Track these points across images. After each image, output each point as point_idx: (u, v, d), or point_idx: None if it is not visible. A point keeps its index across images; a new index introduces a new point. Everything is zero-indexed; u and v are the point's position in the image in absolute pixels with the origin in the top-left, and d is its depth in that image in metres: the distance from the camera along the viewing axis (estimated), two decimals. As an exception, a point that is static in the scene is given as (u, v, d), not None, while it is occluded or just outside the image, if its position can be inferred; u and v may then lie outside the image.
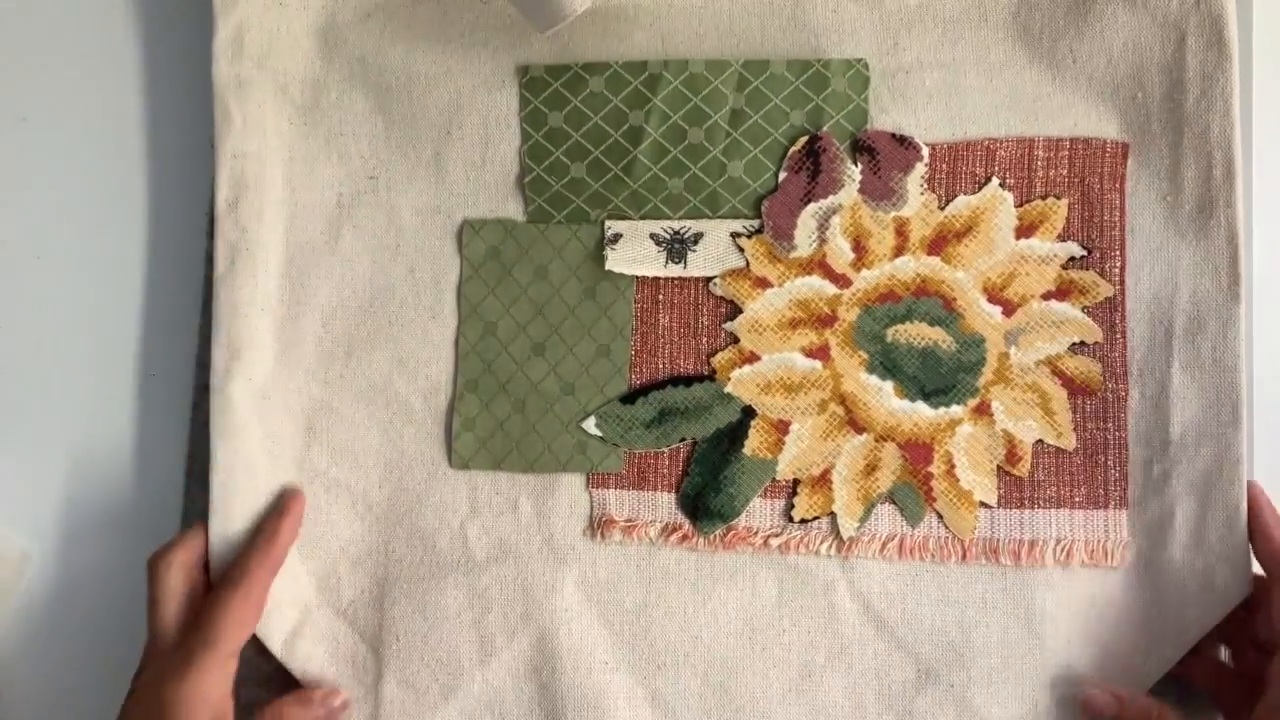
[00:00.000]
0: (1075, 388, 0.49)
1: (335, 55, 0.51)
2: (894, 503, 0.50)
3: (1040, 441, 0.49)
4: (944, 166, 0.50)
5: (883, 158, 0.49)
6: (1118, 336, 0.49)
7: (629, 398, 0.50)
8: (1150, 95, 0.49)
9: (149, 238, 0.54)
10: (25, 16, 0.54)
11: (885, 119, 0.50)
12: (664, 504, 0.50)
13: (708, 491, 0.50)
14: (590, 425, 0.50)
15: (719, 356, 0.50)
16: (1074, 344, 0.49)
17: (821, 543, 0.50)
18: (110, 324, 0.54)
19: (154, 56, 0.54)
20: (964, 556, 0.49)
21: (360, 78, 0.51)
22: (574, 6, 0.46)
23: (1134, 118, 0.49)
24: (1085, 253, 0.49)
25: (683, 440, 0.50)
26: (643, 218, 0.50)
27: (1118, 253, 0.49)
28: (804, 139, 0.50)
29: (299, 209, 0.51)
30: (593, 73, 0.50)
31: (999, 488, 0.49)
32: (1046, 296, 0.49)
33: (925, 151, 0.49)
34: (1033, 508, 0.49)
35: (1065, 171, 0.49)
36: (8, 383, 0.54)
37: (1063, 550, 0.49)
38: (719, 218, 0.50)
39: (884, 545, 0.49)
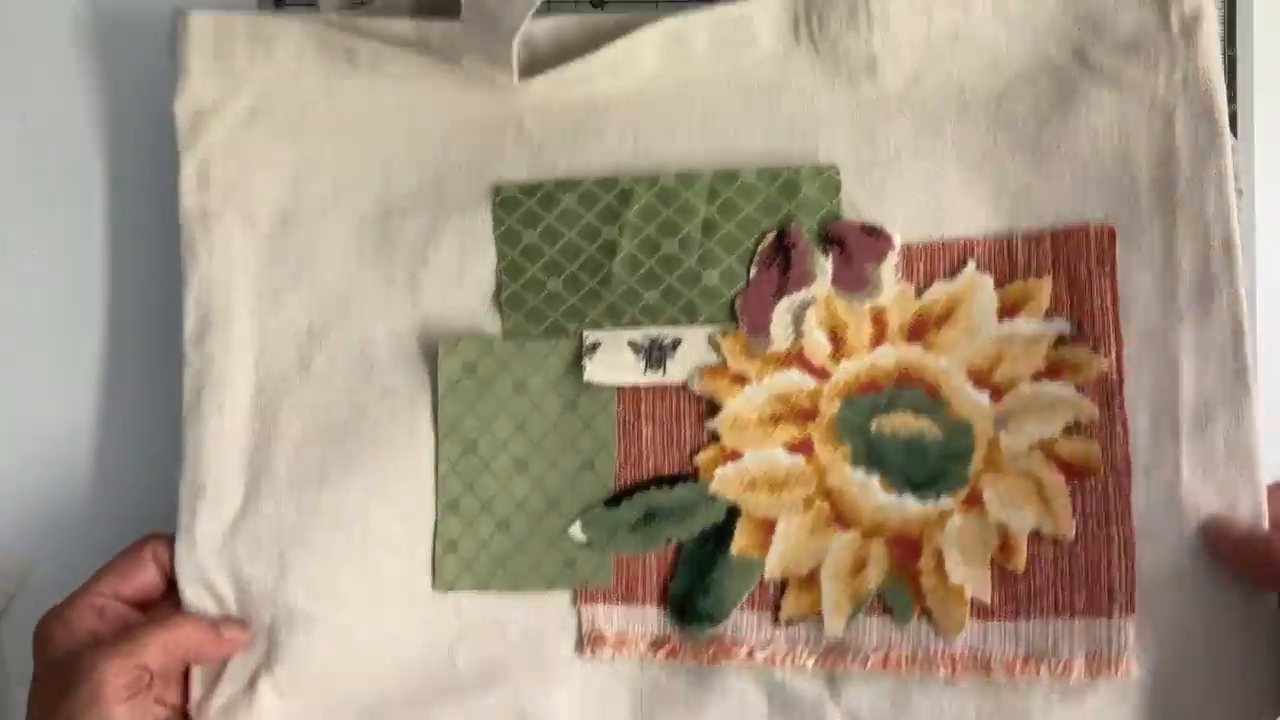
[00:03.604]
0: (1073, 472, 0.47)
1: (306, 185, 0.52)
2: (883, 601, 0.48)
3: (1037, 534, 0.47)
4: (920, 265, 0.49)
5: (853, 248, 0.49)
6: (1118, 428, 0.47)
7: (613, 500, 0.51)
8: (1138, 178, 0.47)
9: (152, 238, 0.55)
10: (25, 16, 0.57)
11: (860, 219, 0.49)
12: (653, 617, 0.50)
13: (696, 593, 0.49)
14: (575, 531, 0.50)
15: (701, 455, 0.50)
16: (1069, 425, 0.47)
17: (809, 656, 0.48)
18: (111, 325, 0.56)
19: (155, 56, 0.56)
20: (954, 670, 0.47)
21: (333, 206, 0.52)
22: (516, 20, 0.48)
23: (1121, 202, 0.47)
24: (1075, 329, 0.47)
25: (668, 542, 0.50)
26: (620, 328, 0.51)
27: (1112, 338, 0.47)
28: (772, 234, 0.50)
29: (268, 338, 0.52)
30: (565, 190, 0.51)
31: (993, 587, 0.47)
32: (1036, 377, 0.48)
33: (897, 240, 0.49)
34: (1028, 617, 0.47)
35: (1049, 263, 0.48)
36: (6, 384, 0.56)
37: (1060, 665, 0.46)
38: (697, 325, 0.50)
39: (869, 659, 0.48)
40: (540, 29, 0.52)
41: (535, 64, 0.53)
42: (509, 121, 0.52)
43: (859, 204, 0.50)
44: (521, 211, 0.52)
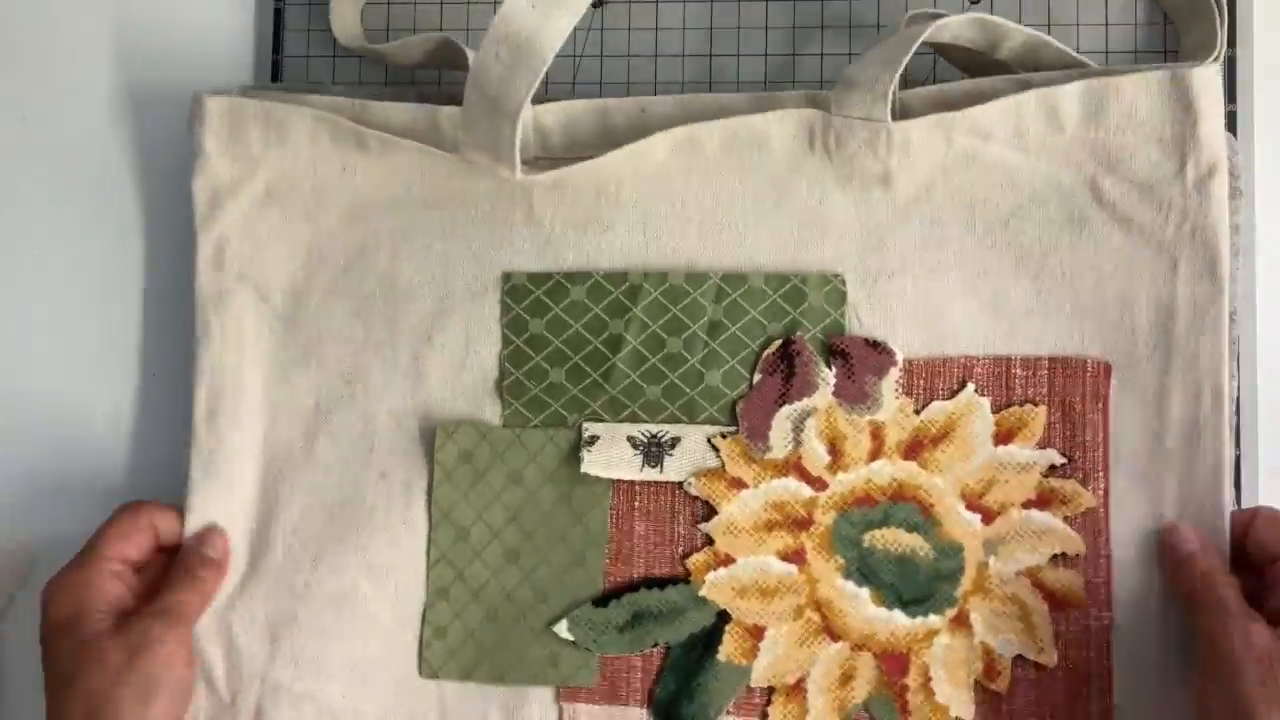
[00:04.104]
0: (1056, 601, 0.48)
1: (319, 264, 0.52)
2: (869, 714, 0.48)
3: (1021, 658, 0.48)
4: (920, 382, 0.50)
5: (856, 362, 0.50)
6: (1101, 559, 0.48)
7: (601, 600, 0.50)
8: (1138, 319, 0.48)
9: (151, 237, 0.56)
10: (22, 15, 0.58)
11: (863, 332, 0.50)
12: (635, 719, 0.50)
13: (681, 699, 0.49)
14: (562, 629, 0.50)
15: (694, 558, 0.50)
16: (1055, 555, 0.48)
17: None
18: (111, 323, 0.57)
19: (157, 51, 0.58)
20: None
21: (343, 286, 0.52)
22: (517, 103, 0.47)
23: (1119, 340, 0.49)
24: (1066, 460, 0.49)
25: (655, 645, 0.50)
26: (619, 422, 0.51)
27: (1101, 474, 0.48)
28: (778, 342, 0.50)
29: (277, 415, 0.52)
30: (574, 282, 0.51)
31: (976, 707, 0.48)
32: (1027, 505, 0.49)
33: (899, 356, 0.50)
34: None
35: (1044, 390, 0.49)
36: (7, 383, 0.57)
37: None
38: (696, 424, 0.50)
39: None
40: (550, 116, 0.52)
41: (546, 148, 0.53)
42: (519, 203, 0.51)
43: (862, 311, 0.50)
44: (530, 300, 0.51)
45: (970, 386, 0.49)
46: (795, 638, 0.49)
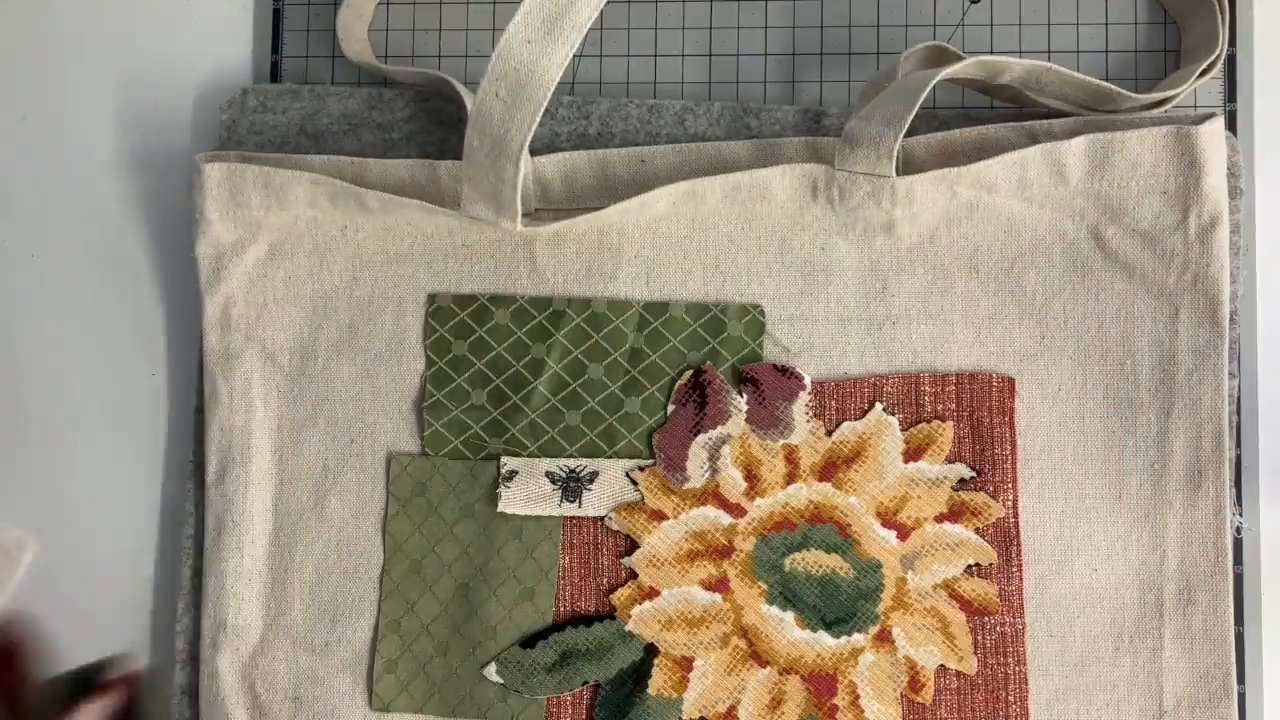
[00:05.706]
0: (972, 610, 0.49)
1: (324, 322, 0.52)
2: (802, 739, 0.49)
3: (942, 668, 0.49)
4: (831, 404, 0.51)
5: (766, 388, 0.51)
6: (1013, 569, 0.49)
7: (529, 641, 0.49)
8: (1140, 364, 0.50)
9: (150, 236, 0.55)
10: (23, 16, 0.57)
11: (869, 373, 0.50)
12: None
13: (613, 737, 0.48)
14: (491, 672, 0.48)
15: (618, 594, 0.49)
16: (969, 566, 0.50)
17: None
18: (111, 322, 0.55)
19: (157, 51, 0.57)
20: None
21: (349, 344, 0.51)
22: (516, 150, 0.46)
23: (1121, 384, 0.50)
24: (975, 474, 0.50)
25: (585, 683, 0.49)
26: (540, 450, 0.50)
27: (1010, 485, 0.50)
28: (689, 373, 0.51)
29: (286, 476, 0.51)
30: (499, 305, 0.51)
31: (904, 717, 0.49)
32: (939, 519, 0.50)
33: (808, 380, 0.51)
34: None
35: (953, 406, 0.50)
36: (7, 382, 0.55)
37: None
38: (615, 456, 0.50)
39: None
40: (550, 167, 0.52)
41: (548, 199, 0.53)
42: (521, 257, 0.51)
43: (869, 361, 0.50)
44: (454, 323, 0.51)
45: (879, 406, 0.51)
46: (723, 666, 0.49)
